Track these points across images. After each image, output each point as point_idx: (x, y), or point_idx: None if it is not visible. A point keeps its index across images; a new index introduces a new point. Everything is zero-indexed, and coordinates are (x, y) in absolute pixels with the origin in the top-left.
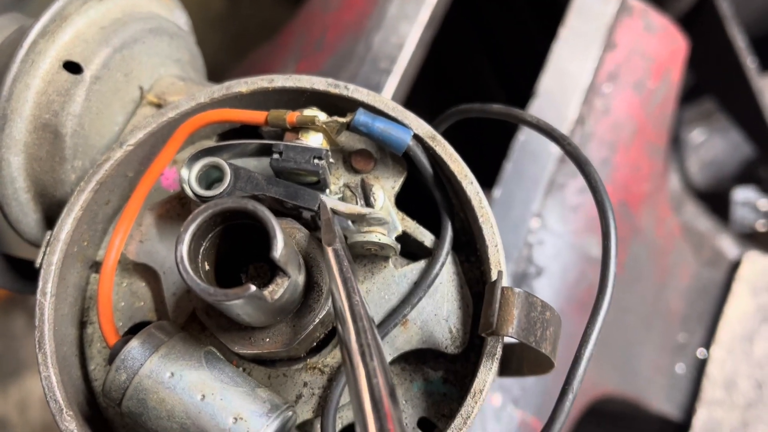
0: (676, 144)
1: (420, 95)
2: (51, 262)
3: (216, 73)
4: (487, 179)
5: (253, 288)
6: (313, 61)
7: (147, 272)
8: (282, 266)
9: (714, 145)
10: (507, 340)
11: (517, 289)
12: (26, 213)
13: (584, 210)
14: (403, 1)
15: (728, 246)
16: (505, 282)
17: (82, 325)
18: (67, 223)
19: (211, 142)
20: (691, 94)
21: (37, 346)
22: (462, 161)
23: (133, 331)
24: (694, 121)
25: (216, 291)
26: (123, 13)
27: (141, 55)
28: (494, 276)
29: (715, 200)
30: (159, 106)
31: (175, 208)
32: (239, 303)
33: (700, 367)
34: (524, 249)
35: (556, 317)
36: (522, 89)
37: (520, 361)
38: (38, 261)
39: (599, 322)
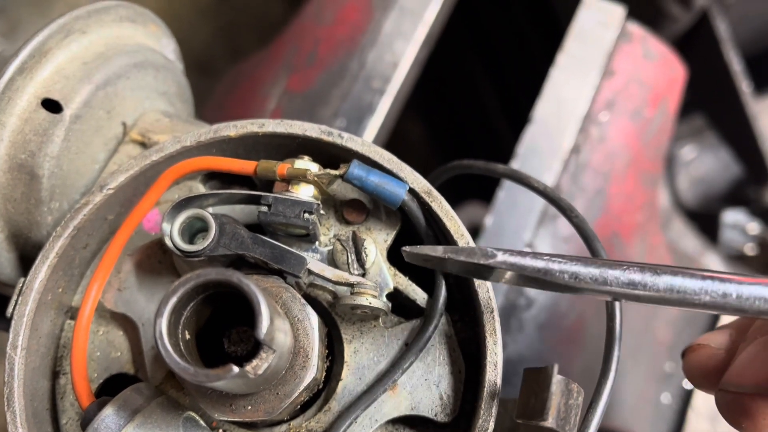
0: (667, 159)
1: (414, 110)
2: (23, 313)
3: (207, 65)
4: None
5: (235, 369)
6: (305, 76)
7: (125, 321)
8: (267, 343)
9: (704, 162)
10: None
11: (559, 377)
12: None
13: (576, 241)
14: (399, 18)
15: (716, 269)
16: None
17: (55, 374)
18: (41, 270)
19: (196, 183)
20: (683, 110)
21: (6, 403)
22: (458, 219)
23: (109, 384)
24: (685, 137)
25: (196, 371)
26: (107, 46)
27: (125, 91)
28: (489, 342)
29: (703, 219)
30: (143, 143)
31: (156, 254)
32: (221, 383)
33: (686, 397)
34: None
35: (583, 398)
36: (522, 108)
37: (515, 425)
38: (9, 310)
39: (600, 410)
